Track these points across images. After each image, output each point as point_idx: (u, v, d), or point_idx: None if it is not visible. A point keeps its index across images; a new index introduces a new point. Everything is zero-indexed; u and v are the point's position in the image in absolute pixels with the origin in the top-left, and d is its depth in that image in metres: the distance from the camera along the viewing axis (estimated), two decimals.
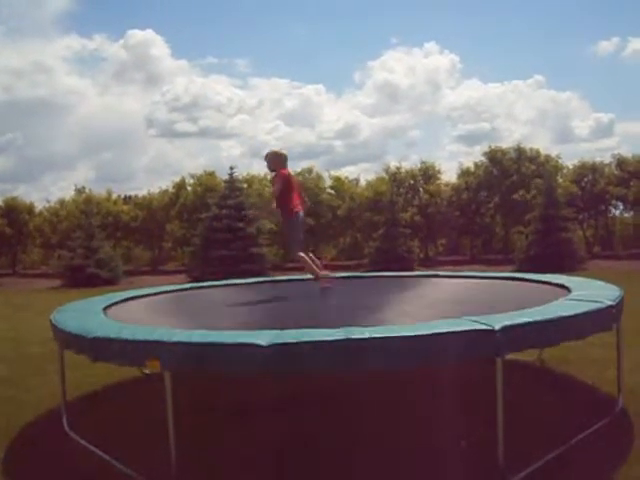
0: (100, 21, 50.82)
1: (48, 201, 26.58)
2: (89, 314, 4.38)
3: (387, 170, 24.74)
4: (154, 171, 42.13)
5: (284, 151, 5.83)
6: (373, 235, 21.40)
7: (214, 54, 60.70)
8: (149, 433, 3.86)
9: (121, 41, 47.94)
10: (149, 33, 43.91)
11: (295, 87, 52.84)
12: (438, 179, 24.56)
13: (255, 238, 19.58)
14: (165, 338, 3.23)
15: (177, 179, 25.31)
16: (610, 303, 3.81)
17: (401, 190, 24.10)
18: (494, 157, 23.72)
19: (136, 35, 43.38)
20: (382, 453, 3.66)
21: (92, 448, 3.89)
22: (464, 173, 24.40)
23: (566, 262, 16.96)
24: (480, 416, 3.63)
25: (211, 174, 24.55)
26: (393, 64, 46.29)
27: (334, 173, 25.62)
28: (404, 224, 21.29)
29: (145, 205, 24.74)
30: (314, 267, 5.77)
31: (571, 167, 23.95)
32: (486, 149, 24.38)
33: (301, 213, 5.74)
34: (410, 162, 25.14)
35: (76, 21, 49.81)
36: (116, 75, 45.19)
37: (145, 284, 15.38)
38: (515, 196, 22.03)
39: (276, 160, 5.75)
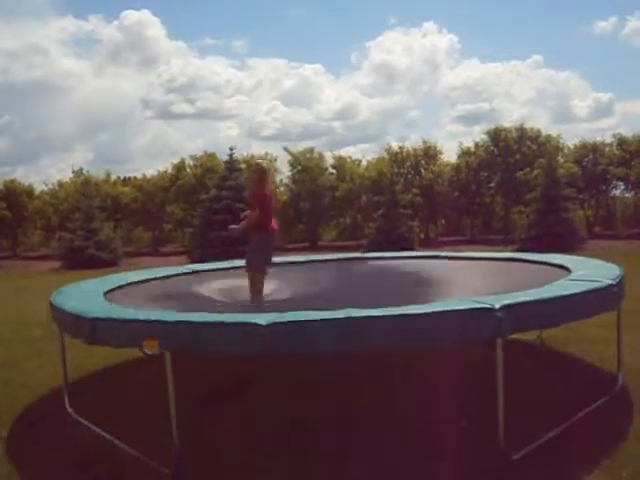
0: (95, 2, 50.24)
1: (46, 184, 26.55)
2: (89, 296, 4.37)
3: (388, 150, 24.62)
4: (152, 152, 41.99)
5: (268, 163, 5.42)
6: (373, 215, 21.34)
7: (211, 35, 60.12)
8: (151, 413, 3.87)
9: (116, 22, 47.47)
10: (145, 14, 43.47)
11: (293, 67, 52.43)
12: (439, 159, 24.46)
13: None
14: (165, 318, 3.23)
15: (176, 160, 25.25)
16: (610, 282, 3.80)
17: (402, 170, 24.00)
18: (497, 136, 23.59)
19: (131, 16, 42.98)
20: (384, 433, 3.67)
21: (94, 428, 3.91)
22: (464, 153, 24.29)
23: (566, 242, 16.93)
24: (481, 395, 3.64)
25: (212, 155, 24.45)
26: (392, 44, 45.83)
27: (336, 153, 25.55)
28: (404, 204, 21.22)
29: (144, 187, 24.64)
30: (257, 292, 5.24)
31: (572, 147, 23.85)
32: (488, 128, 24.29)
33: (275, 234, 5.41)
34: (410, 142, 24.96)
35: (71, 2, 49.26)
36: (112, 56, 44.84)
37: (145, 266, 15.39)
38: (518, 174, 21.96)
39: (261, 172, 5.34)
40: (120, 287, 5.25)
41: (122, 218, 25.04)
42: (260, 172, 5.35)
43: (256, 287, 5.25)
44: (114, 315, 3.47)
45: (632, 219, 23.75)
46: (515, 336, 4.46)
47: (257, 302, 5.21)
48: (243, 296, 5.16)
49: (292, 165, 24.29)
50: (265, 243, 5.30)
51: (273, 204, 5.50)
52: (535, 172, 20.86)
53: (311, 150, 24.95)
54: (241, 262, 6.92)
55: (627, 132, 23.36)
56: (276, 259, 5.94)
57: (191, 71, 41.89)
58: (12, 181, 25.15)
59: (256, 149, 28.62)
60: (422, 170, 24.11)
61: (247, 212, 5.62)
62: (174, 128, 46.35)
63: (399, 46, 46.93)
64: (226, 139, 42.78)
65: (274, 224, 5.31)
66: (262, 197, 5.25)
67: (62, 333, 4.31)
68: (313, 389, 4.63)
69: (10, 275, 18.05)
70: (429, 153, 24.30)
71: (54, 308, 4.18)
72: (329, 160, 25.12)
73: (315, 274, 6.12)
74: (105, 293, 4.67)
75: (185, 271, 6.71)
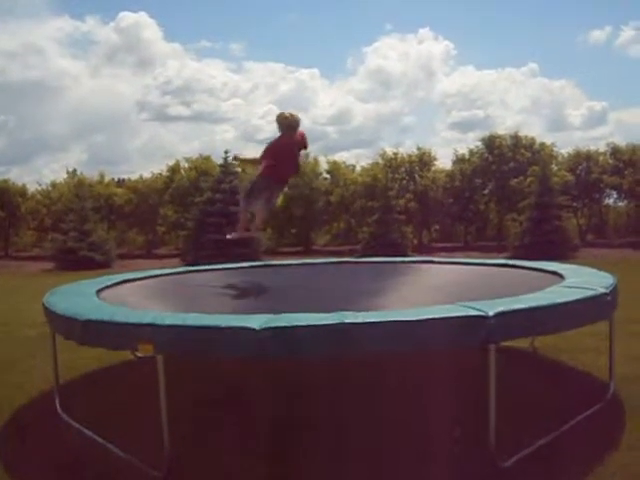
0: (92, 3, 50.02)
1: (40, 184, 26.42)
2: (82, 297, 4.35)
3: (383, 155, 24.65)
4: (147, 154, 41.84)
5: (290, 116, 5.76)
6: (367, 220, 21.37)
7: (208, 38, 60.07)
8: (142, 416, 3.86)
9: (113, 24, 47.38)
10: (142, 16, 43.26)
11: (289, 71, 52.38)
12: (434, 165, 24.52)
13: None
14: (158, 321, 3.21)
15: (171, 163, 25.20)
16: (604, 291, 3.81)
17: (397, 176, 24.03)
18: (492, 143, 23.68)
19: (128, 18, 42.81)
20: (374, 438, 3.67)
21: (85, 430, 3.89)
22: (459, 160, 24.36)
23: (559, 250, 17.01)
24: (472, 402, 3.64)
25: (207, 158, 24.46)
26: (388, 50, 45.89)
27: (330, 158, 25.58)
28: (398, 210, 21.25)
29: (138, 188, 24.57)
30: (243, 224, 6.36)
31: (566, 155, 23.97)
32: (483, 135, 24.38)
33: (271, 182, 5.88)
34: (404, 148, 25.02)
35: (68, 3, 49.01)
36: (108, 58, 44.69)
37: (139, 268, 15.33)
38: (512, 182, 22.06)
39: (281, 124, 5.79)
40: (113, 287, 5.24)
41: (116, 220, 24.97)
42: (280, 124, 5.74)
43: (243, 218, 6.26)
44: (107, 317, 3.45)
45: (624, 228, 23.88)
46: (508, 343, 4.48)
47: (235, 233, 6.38)
48: (237, 297, 5.15)
49: None
50: (259, 183, 5.84)
51: (283, 156, 5.78)
52: (529, 180, 20.96)
53: (306, 154, 24.96)
54: (234, 264, 6.96)
55: (620, 141, 23.64)
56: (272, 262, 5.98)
57: (187, 74, 41.85)
58: (5, 181, 25.01)
59: (251, 152, 28.42)
60: (416, 176, 24.15)
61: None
62: (170, 130, 46.30)
63: (395, 52, 46.99)
64: (222, 142, 42.72)
65: (274, 174, 5.74)
66: (270, 147, 5.78)
67: (54, 335, 4.29)
68: (307, 392, 4.62)
69: (2, 275, 17.95)
70: (423, 159, 24.33)
71: (47, 309, 4.15)
72: (323, 165, 25.18)
73: (308, 277, 6.11)
74: (98, 293, 4.65)
75: (178, 271, 6.70)
